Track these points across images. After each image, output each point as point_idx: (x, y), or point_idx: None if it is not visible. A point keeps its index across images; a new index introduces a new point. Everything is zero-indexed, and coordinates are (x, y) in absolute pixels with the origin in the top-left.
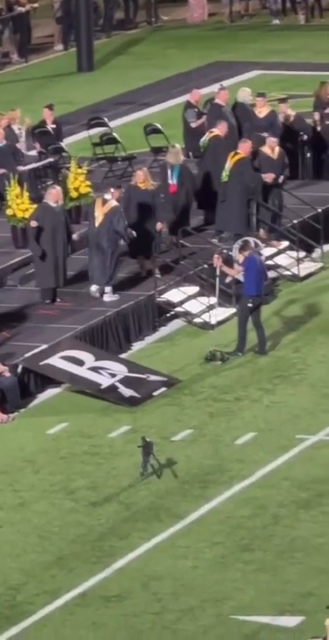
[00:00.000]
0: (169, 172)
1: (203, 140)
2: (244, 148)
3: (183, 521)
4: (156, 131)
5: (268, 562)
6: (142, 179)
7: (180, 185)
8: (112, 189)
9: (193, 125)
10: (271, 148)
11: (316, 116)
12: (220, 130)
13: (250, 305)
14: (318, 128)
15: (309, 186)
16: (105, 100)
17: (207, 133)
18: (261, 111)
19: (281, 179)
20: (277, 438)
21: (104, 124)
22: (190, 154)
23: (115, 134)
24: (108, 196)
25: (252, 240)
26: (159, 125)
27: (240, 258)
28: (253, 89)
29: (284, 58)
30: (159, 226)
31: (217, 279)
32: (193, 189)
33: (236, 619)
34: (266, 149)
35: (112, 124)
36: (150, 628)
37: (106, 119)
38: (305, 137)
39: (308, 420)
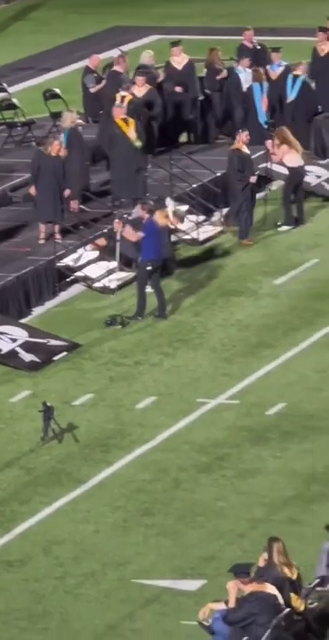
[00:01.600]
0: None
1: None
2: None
3: (84, 485)
4: (56, 96)
5: (169, 526)
6: (57, 149)
7: (69, 149)
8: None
9: (92, 90)
10: (245, 142)
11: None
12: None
13: (149, 269)
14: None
15: (209, 150)
16: (4, 65)
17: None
18: (180, 62)
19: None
20: (178, 402)
21: (3, 90)
22: (90, 119)
23: (14, 100)
24: None
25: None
26: (58, 91)
27: (144, 216)
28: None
29: (184, 22)
30: (67, 192)
31: (117, 244)
32: (85, 154)
33: (137, 582)
34: (241, 146)
35: (11, 89)
36: (52, 592)
37: (5, 85)
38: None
39: (209, 384)
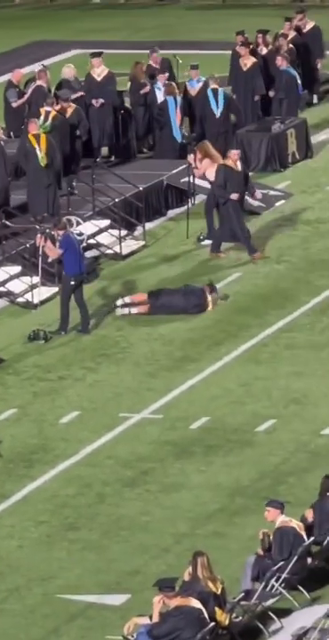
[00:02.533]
0: None
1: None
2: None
3: (8, 500)
4: None
5: (93, 540)
6: None
7: None
8: None
9: (14, 105)
10: (234, 161)
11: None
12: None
13: (72, 283)
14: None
15: (132, 163)
16: None
17: (43, 114)
18: (100, 73)
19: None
20: (101, 417)
21: None
22: (11, 133)
23: None
24: None
25: (73, 219)
26: None
27: (57, 236)
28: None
29: (104, 37)
30: None
31: (39, 259)
32: (6, 168)
33: (62, 597)
34: (229, 162)
35: None
36: None
37: None
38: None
39: (132, 399)
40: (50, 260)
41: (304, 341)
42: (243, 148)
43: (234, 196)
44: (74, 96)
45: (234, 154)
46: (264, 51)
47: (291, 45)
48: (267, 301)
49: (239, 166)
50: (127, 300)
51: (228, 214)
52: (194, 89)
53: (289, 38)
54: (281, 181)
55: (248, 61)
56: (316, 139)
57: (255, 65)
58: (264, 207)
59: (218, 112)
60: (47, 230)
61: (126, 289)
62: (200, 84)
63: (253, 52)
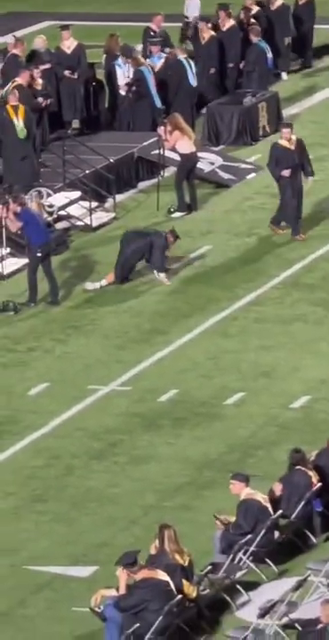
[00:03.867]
0: None
1: (5, 89)
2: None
3: None
4: None
5: (61, 512)
6: None
7: None
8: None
9: None
10: (287, 139)
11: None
12: (22, 79)
13: (39, 254)
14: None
15: (103, 135)
16: None
17: (10, 83)
18: (69, 45)
19: (309, 180)
20: (70, 389)
21: None
22: None
23: None
24: None
25: (43, 190)
26: None
27: (16, 210)
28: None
29: (77, 8)
30: None
31: (3, 230)
32: None
33: (29, 569)
34: (282, 141)
35: None
36: None
37: None
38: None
39: (101, 371)
40: (15, 231)
41: (273, 315)
42: (214, 121)
43: (285, 173)
44: (43, 67)
45: (285, 132)
46: (228, 25)
47: (253, 20)
48: (236, 274)
49: (293, 144)
50: (97, 285)
51: (283, 192)
52: (156, 65)
53: (252, 12)
54: (252, 154)
55: (206, 35)
56: (287, 112)
57: (212, 39)
58: (235, 180)
59: (194, 82)
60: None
61: (96, 261)
62: (162, 60)
63: (216, 27)
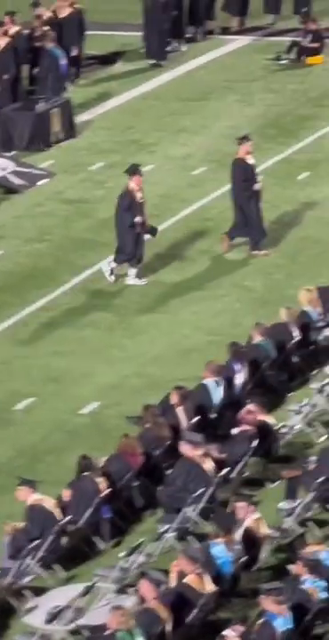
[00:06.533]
0: None
1: None
2: None
3: None
4: None
5: None
6: None
7: None
8: None
9: None
10: (248, 152)
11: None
12: None
13: None
14: None
15: None
16: None
17: None
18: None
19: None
20: None
21: None
22: None
23: None
24: None
25: None
26: None
27: None
28: None
29: None
30: None
31: None
32: None
33: None
34: (246, 156)
35: None
36: None
37: None
38: None
39: None
40: None
41: (64, 320)
42: (6, 127)
43: (256, 187)
44: None
45: (248, 145)
46: (12, 30)
47: (46, 27)
48: (28, 280)
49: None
50: None
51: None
52: None
53: (44, 18)
54: (44, 160)
55: (2, 42)
56: (79, 119)
57: (8, 45)
58: (26, 185)
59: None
60: None
61: None
62: None
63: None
